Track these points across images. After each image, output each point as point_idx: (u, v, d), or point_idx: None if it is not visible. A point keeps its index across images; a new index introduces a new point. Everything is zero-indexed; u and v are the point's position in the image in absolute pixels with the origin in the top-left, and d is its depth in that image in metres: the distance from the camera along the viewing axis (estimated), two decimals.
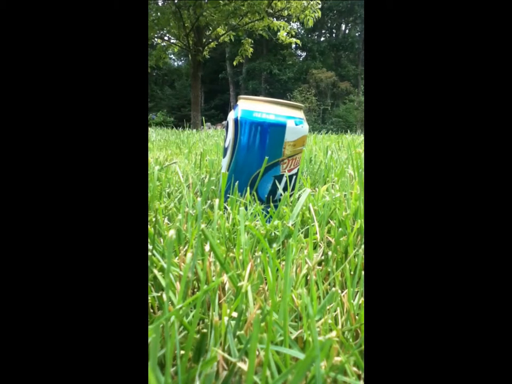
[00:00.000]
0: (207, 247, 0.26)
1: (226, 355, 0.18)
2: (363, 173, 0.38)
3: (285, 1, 4.40)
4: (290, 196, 0.46)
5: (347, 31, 16.73)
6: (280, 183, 0.46)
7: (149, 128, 3.32)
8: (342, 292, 0.27)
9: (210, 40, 5.10)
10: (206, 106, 15.06)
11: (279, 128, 0.44)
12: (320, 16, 4.46)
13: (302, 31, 15.45)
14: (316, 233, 0.35)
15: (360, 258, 0.29)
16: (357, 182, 0.45)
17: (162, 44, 5.41)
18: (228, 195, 0.44)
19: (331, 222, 0.39)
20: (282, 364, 0.18)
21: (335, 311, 0.24)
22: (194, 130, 3.23)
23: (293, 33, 5.16)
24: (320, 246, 0.35)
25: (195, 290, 0.26)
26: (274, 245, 0.30)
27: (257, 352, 0.19)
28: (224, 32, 4.95)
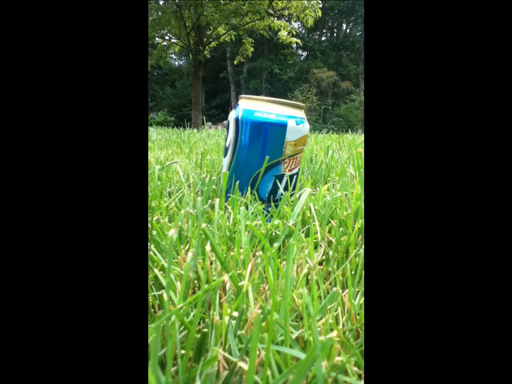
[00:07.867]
0: (207, 247, 0.26)
1: (227, 355, 0.18)
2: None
3: (286, 0, 4.40)
4: (291, 195, 0.46)
5: (348, 30, 16.70)
6: (281, 182, 0.45)
7: (150, 128, 3.32)
8: (343, 291, 0.27)
9: (211, 39, 5.09)
10: (207, 106, 15.05)
11: (280, 127, 0.44)
12: (320, 15, 4.44)
13: (303, 31, 15.43)
14: (317, 232, 0.35)
15: (361, 258, 0.29)
16: (358, 182, 0.45)
17: (163, 44, 5.41)
18: (229, 194, 0.44)
19: (332, 221, 0.39)
20: (283, 363, 0.18)
21: (336, 311, 0.24)
22: (195, 129, 3.22)
23: (294, 32, 5.16)
24: (321, 245, 0.35)
25: (196, 289, 0.26)
26: (275, 245, 0.30)
27: (258, 352, 0.19)
28: (225, 31, 4.95)
